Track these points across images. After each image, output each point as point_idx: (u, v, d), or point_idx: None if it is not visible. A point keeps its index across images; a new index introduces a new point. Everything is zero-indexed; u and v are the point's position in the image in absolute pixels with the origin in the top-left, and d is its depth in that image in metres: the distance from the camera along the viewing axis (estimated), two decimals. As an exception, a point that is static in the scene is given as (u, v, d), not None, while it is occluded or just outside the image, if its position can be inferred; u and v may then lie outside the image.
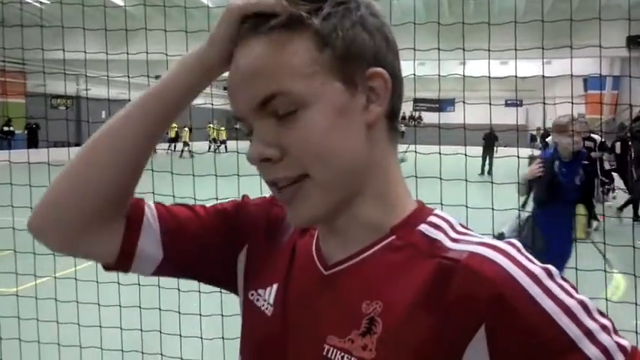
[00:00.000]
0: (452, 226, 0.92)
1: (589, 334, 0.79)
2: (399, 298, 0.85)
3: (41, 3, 18.35)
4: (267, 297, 1.00)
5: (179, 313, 4.39)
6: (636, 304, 3.78)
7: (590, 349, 0.79)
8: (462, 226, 0.93)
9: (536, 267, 0.82)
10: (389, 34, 0.92)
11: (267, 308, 0.99)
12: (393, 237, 0.91)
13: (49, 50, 4.85)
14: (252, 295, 1.04)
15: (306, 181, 0.86)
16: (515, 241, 0.87)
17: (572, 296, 0.82)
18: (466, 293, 0.80)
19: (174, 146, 33.44)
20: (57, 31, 5.78)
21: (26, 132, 29.42)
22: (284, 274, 1.00)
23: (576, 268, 3.83)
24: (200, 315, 4.37)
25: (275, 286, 1.00)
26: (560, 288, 0.82)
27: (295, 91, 0.84)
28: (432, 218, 0.93)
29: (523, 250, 0.85)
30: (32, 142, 28.27)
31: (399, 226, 0.92)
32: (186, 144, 33.69)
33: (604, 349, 0.79)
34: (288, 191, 0.88)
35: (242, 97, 0.88)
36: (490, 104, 4.39)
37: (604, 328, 0.81)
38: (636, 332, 3.64)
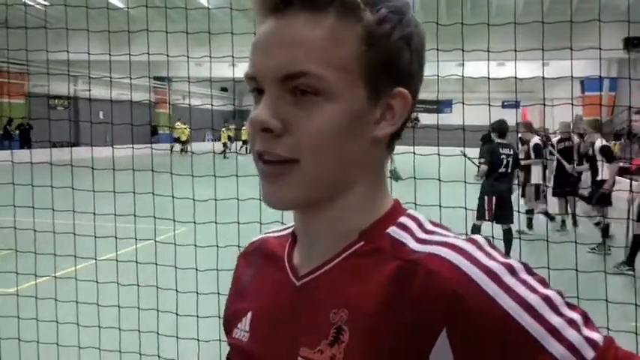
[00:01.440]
0: (420, 226, 0.89)
1: (553, 331, 0.77)
2: (364, 305, 0.83)
3: (44, 5, 18.34)
4: (244, 326, 0.99)
5: (177, 314, 4.40)
6: (635, 304, 3.79)
7: (554, 347, 0.77)
8: (434, 224, 0.91)
9: (494, 263, 0.80)
10: (423, 60, 0.91)
11: (243, 336, 0.98)
12: (362, 242, 0.89)
13: (51, 52, 4.87)
14: (234, 332, 1.01)
15: (294, 166, 0.84)
16: (477, 237, 0.85)
17: (535, 291, 0.79)
18: (425, 295, 0.79)
19: (181, 147, 33.68)
20: (57, 33, 5.80)
21: (17, 132, 29.39)
22: (257, 298, 0.99)
23: (577, 270, 3.84)
24: (197, 317, 4.38)
25: (249, 315, 0.98)
26: (522, 284, 0.79)
27: (325, 79, 0.82)
28: (402, 219, 0.91)
29: (485, 246, 0.83)
30: (25, 142, 28.29)
31: (369, 230, 0.90)
32: (225, 145, 33.97)
33: (570, 346, 0.77)
34: (272, 168, 0.85)
35: (269, 61, 0.84)
36: (490, 105, 4.41)
37: (571, 322, 0.79)
38: (636, 333, 3.64)
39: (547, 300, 0.79)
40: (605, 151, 9.81)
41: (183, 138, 34.95)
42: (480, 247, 0.82)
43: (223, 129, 35.91)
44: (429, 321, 0.79)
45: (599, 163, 9.78)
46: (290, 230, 1.02)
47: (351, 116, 0.85)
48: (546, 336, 0.77)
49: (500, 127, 9.09)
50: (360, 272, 0.87)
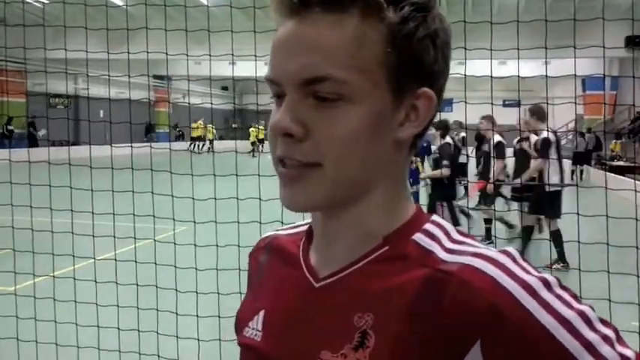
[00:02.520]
0: (448, 235, 0.88)
1: (589, 347, 0.77)
2: (391, 311, 0.82)
3: (42, 3, 18.34)
4: (256, 325, 0.96)
5: (176, 314, 4.38)
6: (639, 304, 3.77)
7: None
8: (460, 233, 0.89)
9: (531, 277, 0.79)
10: (449, 53, 0.89)
11: (256, 335, 0.96)
12: (387, 247, 0.88)
13: (49, 50, 4.85)
14: (244, 331, 1.00)
15: (316, 169, 0.83)
16: (511, 249, 0.84)
17: (571, 307, 0.79)
18: (459, 307, 0.78)
19: (199, 145, 34.77)
20: (56, 31, 5.78)
21: (30, 130, 29.46)
22: (270, 297, 0.97)
23: (579, 269, 3.82)
24: (197, 316, 4.37)
25: (262, 313, 0.97)
26: (558, 299, 0.79)
27: (349, 84, 0.81)
28: (427, 226, 0.89)
29: (519, 260, 0.82)
30: (32, 140, 28.40)
31: (394, 235, 0.88)
32: (253, 144, 34.48)
33: None
34: (292, 171, 0.84)
35: (290, 65, 0.83)
36: (492, 104, 4.40)
37: (605, 339, 0.79)
38: (639, 334, 3.63)
39: (582, 315, 0.79)
40: (498, 148, 9.55)
41: (210, 137, 35.92)
42: (514, 260, 0.82)
43: (252, 128, 36.20)
44: (463, 332, 0.78)
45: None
46: (303, 228, 1.01)
47: (374, 119, 0.83)
48: (582, 352, 0.77)
49: (446, 127, 8.77)
50: (385, 277, 0.85)
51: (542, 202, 8.48)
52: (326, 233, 0.91)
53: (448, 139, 9.15)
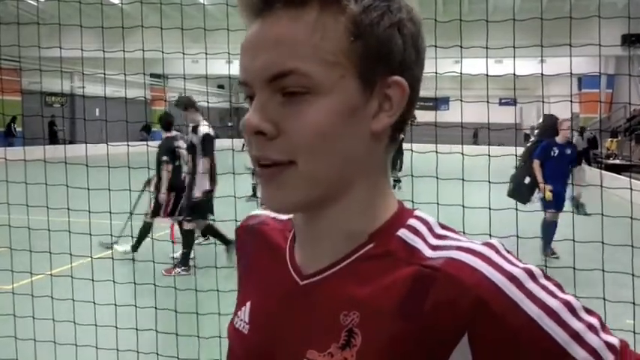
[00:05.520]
0: (431, 230, 0.88)
1: (576, 337, 0.78)
2: (377, 308, 0.82)
3: (37, 1, 18.28)
4: (243, 316, 0.97)
5: (175, 311, 4.39)
6: (633, 303, 3.79)
7: (578, 352, 0.77)
8: (442, 226, 0.90)
9: (516, 269, 0.80)
10: (421, 45, 0.88)
11: (243, 327, 0.96)
12: (372, 245, 0.87)
13: (45, 48, 4.84)
14: (234, 320, 1.00)
15: (290, 168, 0.82)
16: (494, 241, 0.84)
17: (555, 297, 0.79)
18: (446, 301, 0.78)
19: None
20: (51, 29, 5.78)
21: (53, 128, 29.44)
22: (256, 290, 0.97)
23: (574, 268, 3.84)
24: (197, 314, 4.37)
25: (248, 304, 0.97)
26: (542, 289, 0.79)
27: (312, 75, 0.80)
28: (411, 221, 0.89)
29: (503, 251, 0.82)
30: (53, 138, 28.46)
31: (378, 232, 0.88)
32: None
33: (592, 351, 0.78)
34: (269, 170, 0.83)
35: (255, 64, 0.83)
36: (488, 102, 4.41)
37: (591, 327, 0.80)
38: (633, 332, 3.64)
39: (568, 305, 0.80)
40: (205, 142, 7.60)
41: None
42: (498, 252, 0.82)
43: None
44: (450, 326, 0.78)
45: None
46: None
47: (344, 111, 0.82)
48: (570, 341, 0.78)
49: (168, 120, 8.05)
50: (371, 275, 0.85)
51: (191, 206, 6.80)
52: (309, 232, 0.91)
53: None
